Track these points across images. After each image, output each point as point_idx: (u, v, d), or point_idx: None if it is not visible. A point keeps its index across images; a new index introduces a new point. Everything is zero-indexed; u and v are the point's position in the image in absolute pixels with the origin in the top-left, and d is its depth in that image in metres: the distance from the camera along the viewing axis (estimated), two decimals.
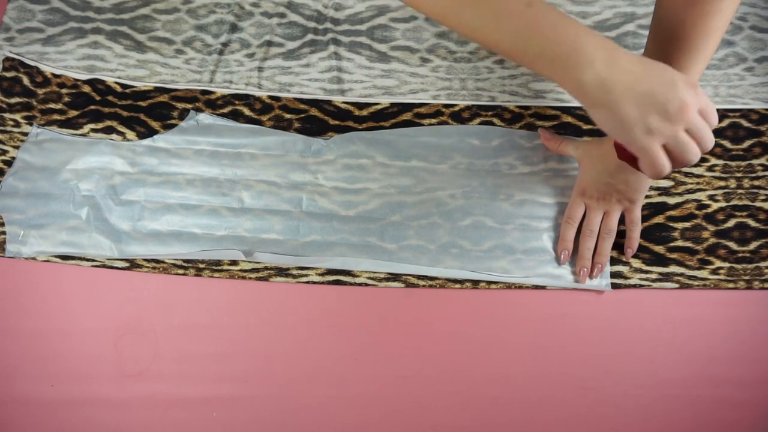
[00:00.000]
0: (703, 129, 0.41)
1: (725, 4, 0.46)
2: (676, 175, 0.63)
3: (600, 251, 0.60)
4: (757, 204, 0.63)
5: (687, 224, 0.62)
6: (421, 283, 0.61)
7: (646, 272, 0.60)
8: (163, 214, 0.62)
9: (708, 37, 0.48)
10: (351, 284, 0.61)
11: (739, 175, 0.64)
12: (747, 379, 0.58)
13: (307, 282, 0.61)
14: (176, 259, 0.61)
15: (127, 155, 0.64)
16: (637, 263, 0.61)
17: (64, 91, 0.67)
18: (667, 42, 0.49)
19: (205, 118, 0.66)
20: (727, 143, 0.65)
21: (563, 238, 0.60)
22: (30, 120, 0.66)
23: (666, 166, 0.42)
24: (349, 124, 0.66)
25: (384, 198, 0.63)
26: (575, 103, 0.66)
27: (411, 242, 0.61)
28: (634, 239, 0.60)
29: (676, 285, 0.60)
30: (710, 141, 0.42)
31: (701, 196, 0.63)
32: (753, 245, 0.61)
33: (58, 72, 0.68)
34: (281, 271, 0.61)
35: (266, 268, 0.61)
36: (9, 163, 0.64)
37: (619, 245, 0.60)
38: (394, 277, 0.61)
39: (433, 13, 0.43)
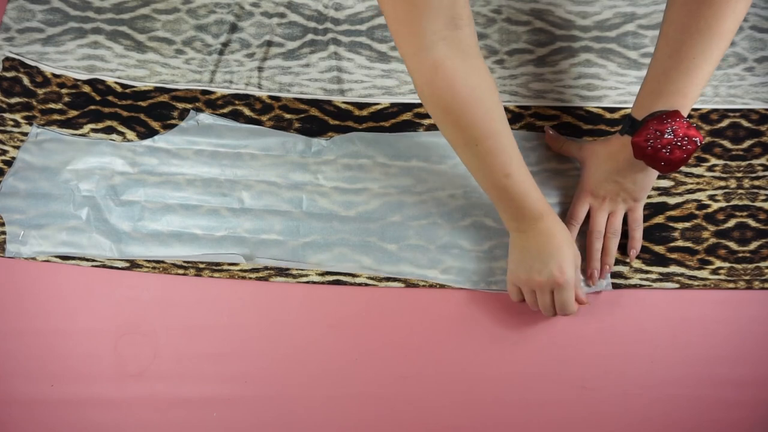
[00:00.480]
0: (562, 300, 0.55)
1: (738, 6, 0.47)
2: (676, 175, 0.63)
3: (608, 251, 0.59)
4: (758, 204, 0.63)
5: (687, 224, 0.62)
6: (421, 283, 0.61)
7: (647, 272, 0.60)
8: (163, 215, 0.62)
9: (720, 38, 0.49)
10: (351, 284, 0.61)
11: (739, 175, 0.64)
12: (747, 379, 0.58)
13: (307, 282, 0.61)
14: (176, 259, 0.61)
15: (127, 155, 0.64)
16: (637, 263, 0.61)
17: (64, 91, 0.67)
18: (679, 43, 0.50)
19: (206, 118, 0.66)
20: (727, 143, 0.65)
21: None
22: (30, 120, 0.66)
23: (516, 299, 0.58)
24: (349, 124, 0.66)
25: (384, 198, 0.63)
26: (575, 104, 0.66)
27: (411, 242, 0.61)
28: (638, 240, 0.60)
29: (677, 285, 0.60)
30: (564, 311, 0.55)
31: (701, 196, 0.63)
32: (753, 245, 0.61)
33: (58, 72, 0.68)
34: (281, 271, 0.61)
35: (266, 268, 0.61)
36: (9, 163, 0.64)
37: (620, 246, 0.60)
38: (394, 277, 0.61)
39: (446, 137, 0.53)
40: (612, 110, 0.66)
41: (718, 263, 0.61)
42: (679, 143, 0.50)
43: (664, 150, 0.51)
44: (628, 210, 0.59)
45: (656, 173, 0.56)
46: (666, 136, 0.50)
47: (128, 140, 0.65)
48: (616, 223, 0.59)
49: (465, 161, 0.54)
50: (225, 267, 0.61)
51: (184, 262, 0.61)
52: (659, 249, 0.61)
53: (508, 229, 0.56)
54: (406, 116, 0.66)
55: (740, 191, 0.63)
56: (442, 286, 0.60)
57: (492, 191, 0.54)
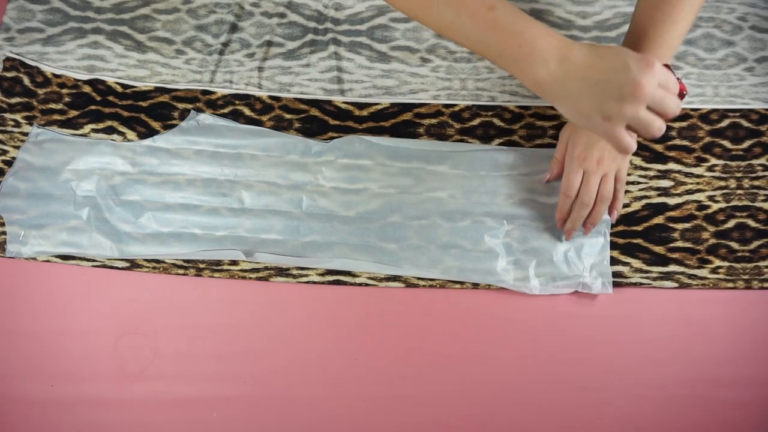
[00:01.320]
0: (662, 101, 0.43)
1: None
2: (676, 175, 0.63)
3: (596, 216, 0.59)
4: (757, 204, 0.63)
5: (687, 225, 0.62)
6: (421, 283, 0.61)
7: (647, 272, 0.60)
8: (163, 214, 0.62)
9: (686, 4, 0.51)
10: (351, 284, 0.61)
11: (739, 175, 0.64)
12: (747, 379, 0.58)
13: (307, 282, 0.61)
14: (176, 259, 0.61)
15: (128, 155, 0.64)
16: (637, 263, 0.61)
17: (64, 91, 0.67)
18: (652, 8, 0.52)
19: (206, 118, 0.66)
20: (727, 143, 0.65)
21: (563, 211, 0.60)
22: (30, 120, 0.66)
23: (631, 145, 0.44)
24: (349, 124, 0.66)
25: (384, 198, 0.63)
26: None
27: (411, 242, 0.61)
28: (621, 200, 0.60)
29: (676, 285, 0.60)
30: (673, 109, 0.43)
31: (701, 196, 0.63)
32: (753, 245, 0.61)
33: (58, 72, 0.68)
34: (281, 271, 0.61)
35: (266, 268, 0.61)
36: (9, 163, 0.64)
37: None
38: (394, 277, 0.61)
39: (404, 9, 0.46)
40: None
41: (718, 262, 0.61)
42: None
43: None
44: (618, 169, 0.59)
45: None
46: None
47: (128, 140, 0.65)
48: (608, 187, 0.58)
49: (443, 20, 0.46)
50: (225, 267, 0.61)
51: (184, 262, 0.61)
52: (659, 249, 0.61)
53: (537, 85, 0.45)
54: (406, 116, 0.66)
55: (740, 191, 0.63)
56: (442, 286, 0.60)
57: (486, 40, 0.45)
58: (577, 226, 0.60)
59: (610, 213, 0.60)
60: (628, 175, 0.63)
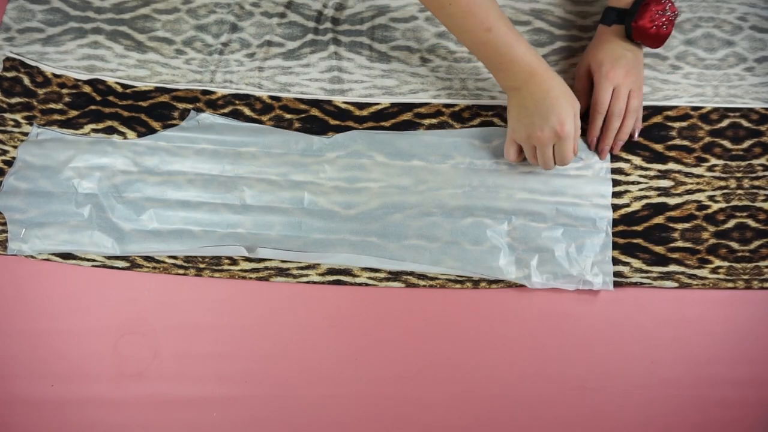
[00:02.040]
0: (562, 152, 0.57)
1: None
2: (676, 175, 0.63)
3: (625, 129, 0.62)
4: (757, 204, 0.63)
5: (687, 225, 0.62)
6: (421, 283, 0.61)
7: (647, 272, 0.60)
8: (164, 212, 0.62)
9: None
10: (351, 284, 0.61)
11: (739, 175, 0.64)
12: (747, 379, 0.58)
13: (308, 282, 0.61)
14: (176, 259, 0.61)
15: (129, 154, 0.64)
16: (637, 263, 0.61)
17: (64, 91, 0.67)
18: None
19: (206, 118, 0.66)
20: (727, 143, 0.65)
21: (596, 128, 0.62)
22: (30, 120, 0.66)
23: (513, 158, 0.61)
24: (349, 124, 0.66)
25: (385, 197, 0.63)
26: None
27: (411, 241, 0.61)
28: (629, 126, 0.62)
29: (676, 284, 0.60)
30: (563, 162, 0.58)
31: (701, 196, 0.63)
32: (753, 245, 0.61)
33: (58, 72, 0.68)
34: (281, 271, 0.61)
35: (266, 268, 0.61)
36: (9, 163, 0.64)
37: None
38: (394, 277, 0.61)
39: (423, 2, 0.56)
40: None
41: (718, 262, 0.61)
42: (672, 17, 0.58)
43: (663, 27, 0.58)
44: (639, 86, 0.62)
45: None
46: (666, 14, 0.57)
47: (129, 140, 0.65)
48: (636, 101, 0.61)
49: (446, 25, 0.56)
50: (225, 267, 0.61)
51: (185, 261, 0.61)
52: (659, 249, 0.61)
53: (504, 89, 0.58)
54: (406, 116, 0.66)
55: (740, 191, 0.63)
56: (442, 286, 0.60)
57: (478, 51, 0.55)
58: (611, 140, 0.62)
59: (614, 143, 0.63)
60: (628, 175, 0.63)
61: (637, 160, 0.64)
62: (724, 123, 0.65)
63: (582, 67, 0.64)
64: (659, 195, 0.63)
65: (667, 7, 0.58)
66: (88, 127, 0.65)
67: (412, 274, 0.61)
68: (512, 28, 0.54)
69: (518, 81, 0.55)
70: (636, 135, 0.63)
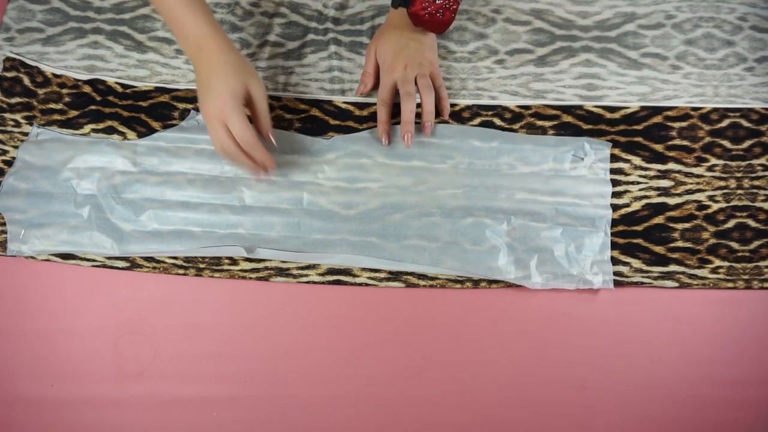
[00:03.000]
0: (237, 134, 0.55)
1: None
2: (676, 175, 0.63)
3: (427, 107, 0.62)
4: (757, 204, 0.63)
5: (687, 225, 0.62)
6: (421, 283, 0.61)
7: (647, 272, 0.60)
8: (164, 213, 0.62)
9: None
10: (351, 284, 0.61)
11: (739, 175, 0.64)
12: (747, 379, 0.58)
13: (308, 282, 0.61)
14: (176, 259, 0.61)
15: (128, 154, 0.64)
16: (637, 263, 0.61)
17: (64, 91, 0.67)
18: None
19: None
20: (727, 143, 0.65)
21: (382, 120, 0.63)
22: (30, 120, 0.66)
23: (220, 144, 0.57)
24: (349, 124, 0.66)
25: (384, 197, 0.63)
26: (575, 102, 0.66)
27: (411, 242, 0.61)
28: (446, 98, 0.64)
29: (676, 284, 0.60)
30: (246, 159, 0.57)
31: (701, 196, 0.63)
32: (753, 245, 0.61)
33: (58, 72, 0.68)
34: (281, 271, 0.61)
35: (266, 268, 0.61)
36: (9, 163, 0.64)
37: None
38: (394, 277, 0.61)
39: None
40: (612, 110, 0.66)
41: (718, 262, 0.61)
42: (447, 5, 0.58)
43: (437, 14, 0.59)
44: (431, 75, 0.63)
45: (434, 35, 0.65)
46: (437, 1, 0.58)
47: (128, 140, 0.65)
48: (425, 80, 0.62)
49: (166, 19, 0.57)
50: (225, 267, 0.61)
51: (185, 261, 0.61)
52: (659, 249, 0.61)
53: (191, 61, 0.59)
54: None
55: (740, 191, 0.63)
56: (442, 286, 0.60)
57: (164, 16, 0.57)
58: (410, 124, 0.61)
59: (441, 112, 0.65)
60: (628, 175, 0.63)
61: (637, 160, 0.64)
62: (724, 123, 0.65)
63: (371, 50, 0.66)
64: (659, 195, 0.63)
65: None
66: (88, 127, 0.65)
67: (412, 274, 0.61)
68: (190, 3, 0.55)
69: (192, 53, 0.57)
70: (446, 114, 0.65)
